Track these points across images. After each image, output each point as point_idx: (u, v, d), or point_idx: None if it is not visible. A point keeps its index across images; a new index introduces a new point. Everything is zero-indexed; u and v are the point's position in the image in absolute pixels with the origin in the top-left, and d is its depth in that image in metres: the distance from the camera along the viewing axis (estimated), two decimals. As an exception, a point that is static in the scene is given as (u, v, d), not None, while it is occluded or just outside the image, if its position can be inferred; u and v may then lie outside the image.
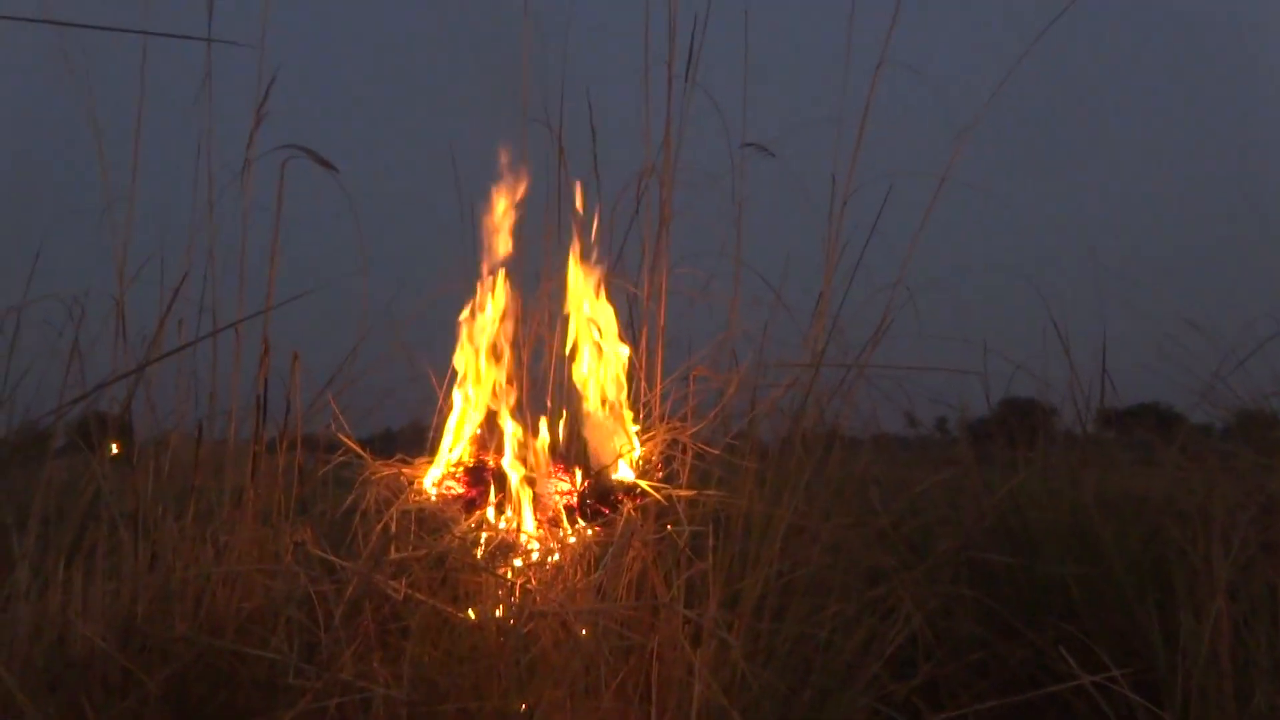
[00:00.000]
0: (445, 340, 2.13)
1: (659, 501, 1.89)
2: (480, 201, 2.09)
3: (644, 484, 1.92)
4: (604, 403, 2.02)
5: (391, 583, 1.74)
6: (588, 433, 2.01)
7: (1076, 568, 2.56)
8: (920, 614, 2.15)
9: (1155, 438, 3.03)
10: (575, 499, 1.93)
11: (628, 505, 1.88)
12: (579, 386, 2.03)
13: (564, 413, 2.08)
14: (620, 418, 2.02)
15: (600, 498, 1.93)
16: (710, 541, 1.91)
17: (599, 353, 2.03)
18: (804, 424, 2.16)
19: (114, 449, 2.02)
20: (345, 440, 2.02)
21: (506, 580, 1.78)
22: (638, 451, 2.00)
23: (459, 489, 1.96)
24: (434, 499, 1.94)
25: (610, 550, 1.79)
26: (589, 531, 1.89)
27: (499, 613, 1.77)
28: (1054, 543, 2.73)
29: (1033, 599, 2.66)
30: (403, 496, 1.91)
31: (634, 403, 2.08)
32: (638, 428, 2.05)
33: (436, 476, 1.99)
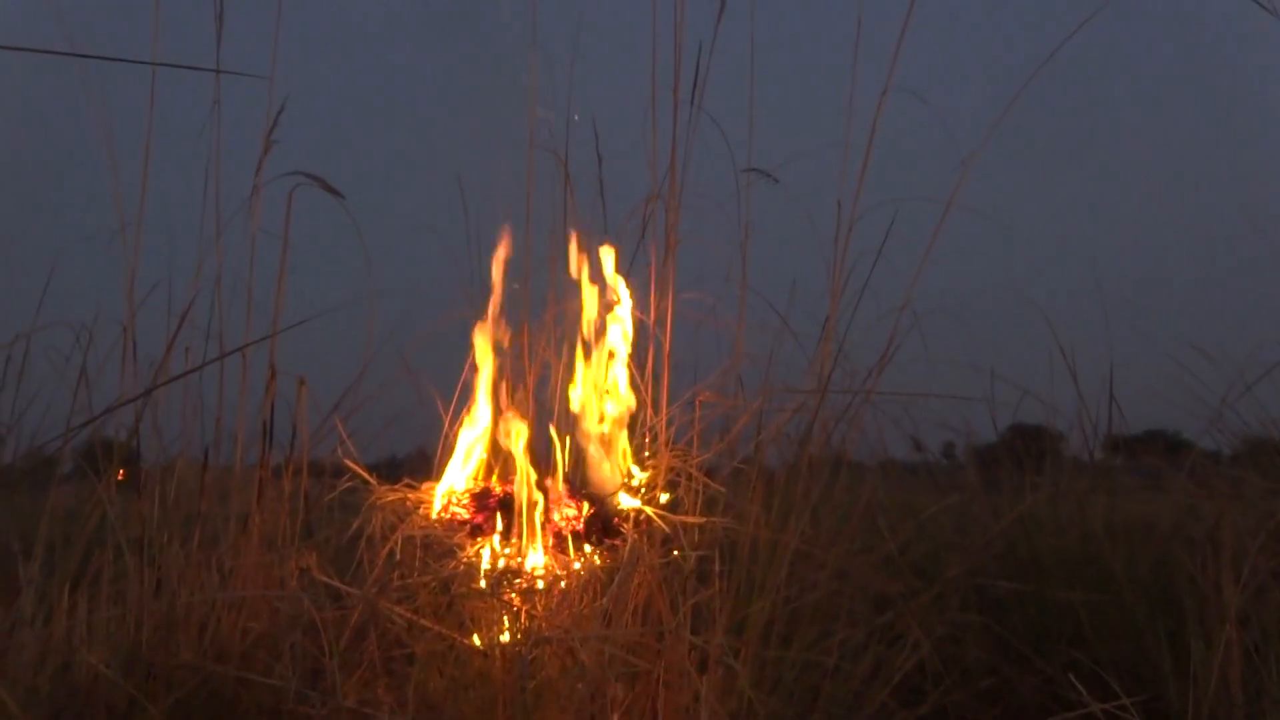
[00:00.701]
0: (451, 366, 2.14)
1: (664, 528, 1.88)
2: (486, 228, 2.10)
3: (649, 510, 1.91)
4: (597, 434, 2.02)
5: (396, 609, 1.74)
6: (587, 460, 2.01)
7: (1085, 594, 2.54)
8: (928, 641, 2.14)
9: (1163, 464, 3.02)
10: (581, 525, 1.92)
11: (632, 532, 1.88)
12: (577, 413, 2.03)
13: (566, 439, 2.08)
14: (614, 447, 2.02)
15: (604, 525, 1.92)
16: (717, 567, 1.91)
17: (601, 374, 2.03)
18: (810, 449, 2.16)
19: (119, 475, 2.02)
20: (351, 466, 2.02)
21: (512, 606, 1.78)
22: (638, 480, 2.00)
23: (465, 514, 1.96)
24: (439, 524, 1.93)
25: (616, 577, 1.78)
26: (595, 558, 1.89)
27: (504, 638, 1.76)
28: (1063, 569, 2.72)
29: (1041, 626, 2.64)
30: (408, 521, 1.90)
31: (638, 428, 2.08)
32: (637, 459, 2.05)
33: (442, 502, 1.99)
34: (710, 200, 2.22)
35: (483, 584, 1.79)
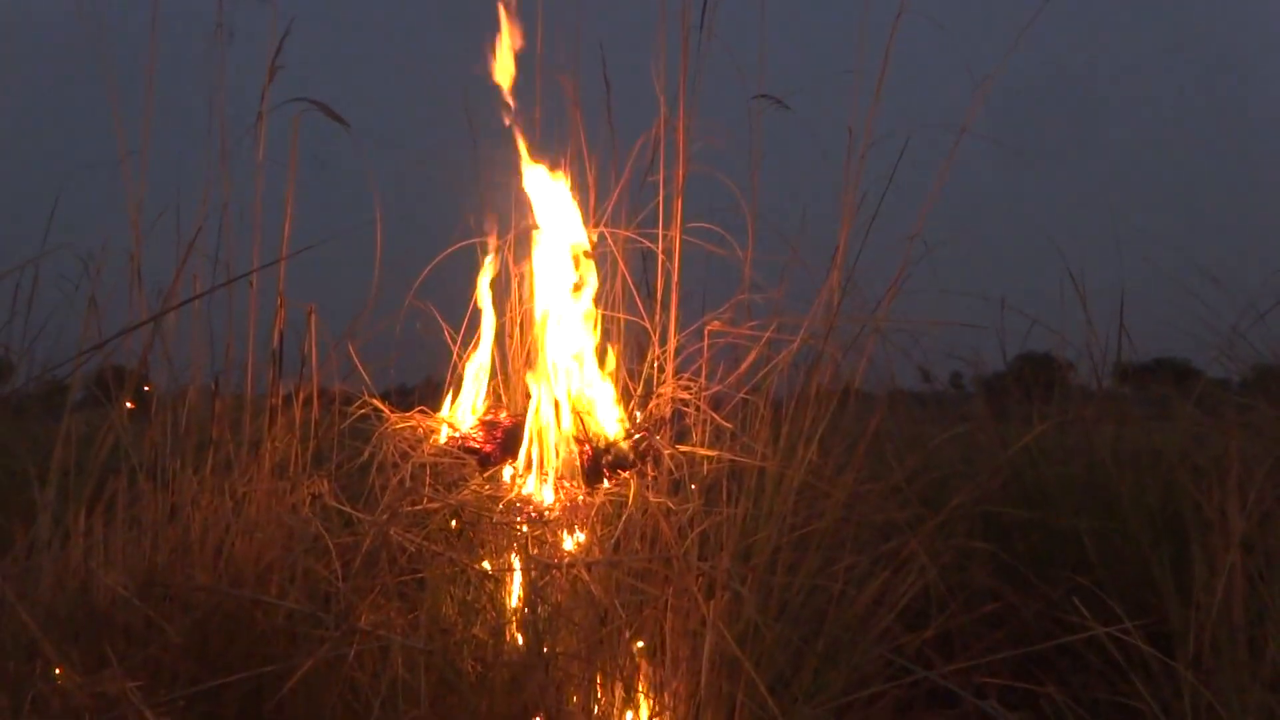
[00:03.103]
0: (460, 294, 2.14)
1: (672, 456, 1.90)
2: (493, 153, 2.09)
3: (657, 442, 1.93)
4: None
5: (407, 535, 1.76)
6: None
7: (1091, 521, 2.56)
8: (934, 567, 2.16)
9: (1172, 392, 3.02)
10: (589, 460, 1.94)
11: (633, 474, 1.89)
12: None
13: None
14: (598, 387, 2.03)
15: (613, 461, 1.94)
16: (724, 495, 1.92)
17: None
18: (818, 379, 2.16)
19: (129, 404, 2.03)
20: (366, 396, 2.03)
21: (522, 533, 1.80)
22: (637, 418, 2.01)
23: (477, 443, 1.97)
24: (450, 452, 1.95)
25: (624, 513, 1.80)
26: (603, 488, 1.90)
27: (514, 564, 1.79)
28: (1069, 497, 2.73)
29: (1046, 552, 2.66)
30: (420, 449, 1.92)
31: (644, 360, 2.08)
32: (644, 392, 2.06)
33: (454, 429, 2.00)
34: (720, 127, 2.19)
35: (492, 513, 1.81)
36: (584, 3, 2.22)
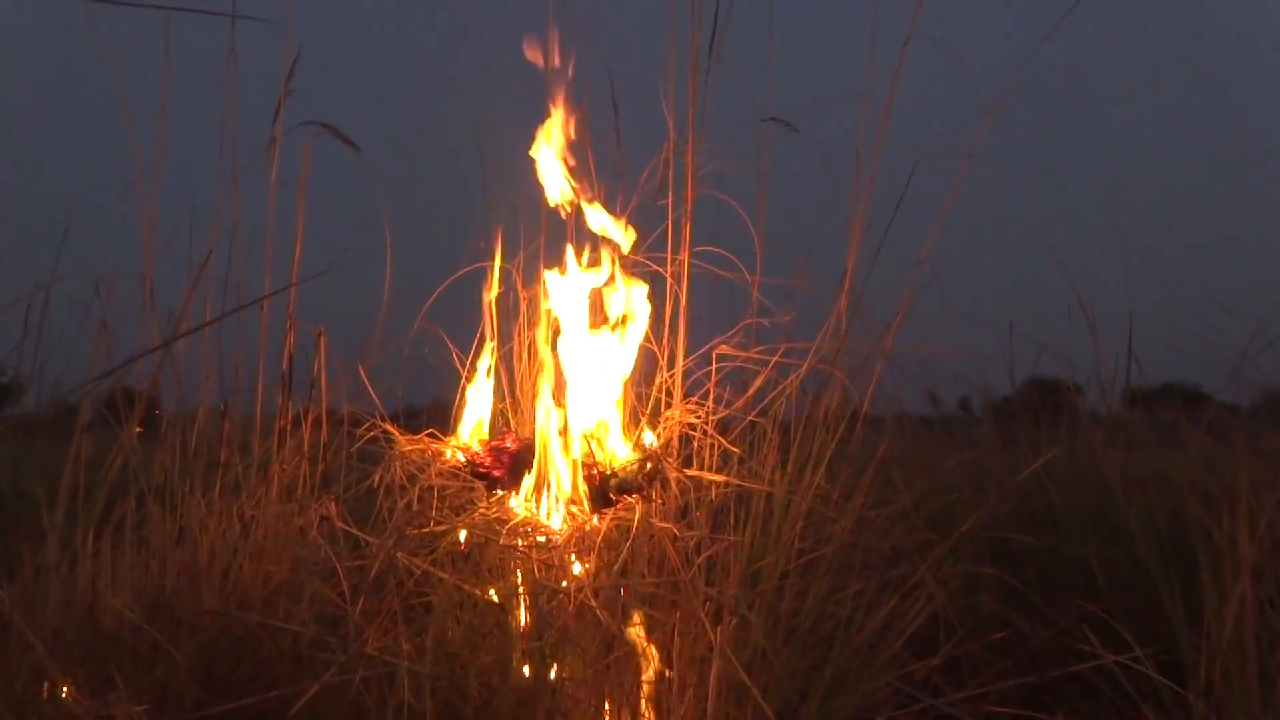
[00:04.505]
0: (468, 318, 2.14)
1: (679, 481, 1.89)
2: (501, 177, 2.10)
3: (664, 467, 1.92)
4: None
5: (414, 559, 1.75)
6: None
7: (1100, 548, 2.55)
8: (942, 593, 2.15)
9: (1181, 418, 3.01)
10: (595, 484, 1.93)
11: (639, 501, 1.89)
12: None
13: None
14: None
15: (619, 486, 1.94)
16: (731, 520, 1.92)
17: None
18: (826, 403, 2.16)
19: (138, 427, 2.03)
20: (374, 416, 2.03)
21: (530, 558, 1.79)
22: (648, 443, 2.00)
23: (485, 467, 1.97)
24: (458, 475, 1.94)
25: (630, 536, 1.79)
26: (610, 512, 1.90)
27: (521, 589, 1.78)
28: (1078, 523, 2.72)
29: (1056, 578, 2.65)
30: (428, 472, 1.92)
31: (651, 384, 2.08)
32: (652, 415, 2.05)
33: (463, 452, 2.00)
34: (728, 151, 2.20)
35: (499, 537, 1.81)
36: (593, 28, 2.23)
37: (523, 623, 1.79)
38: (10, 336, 2.22)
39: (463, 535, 1.81)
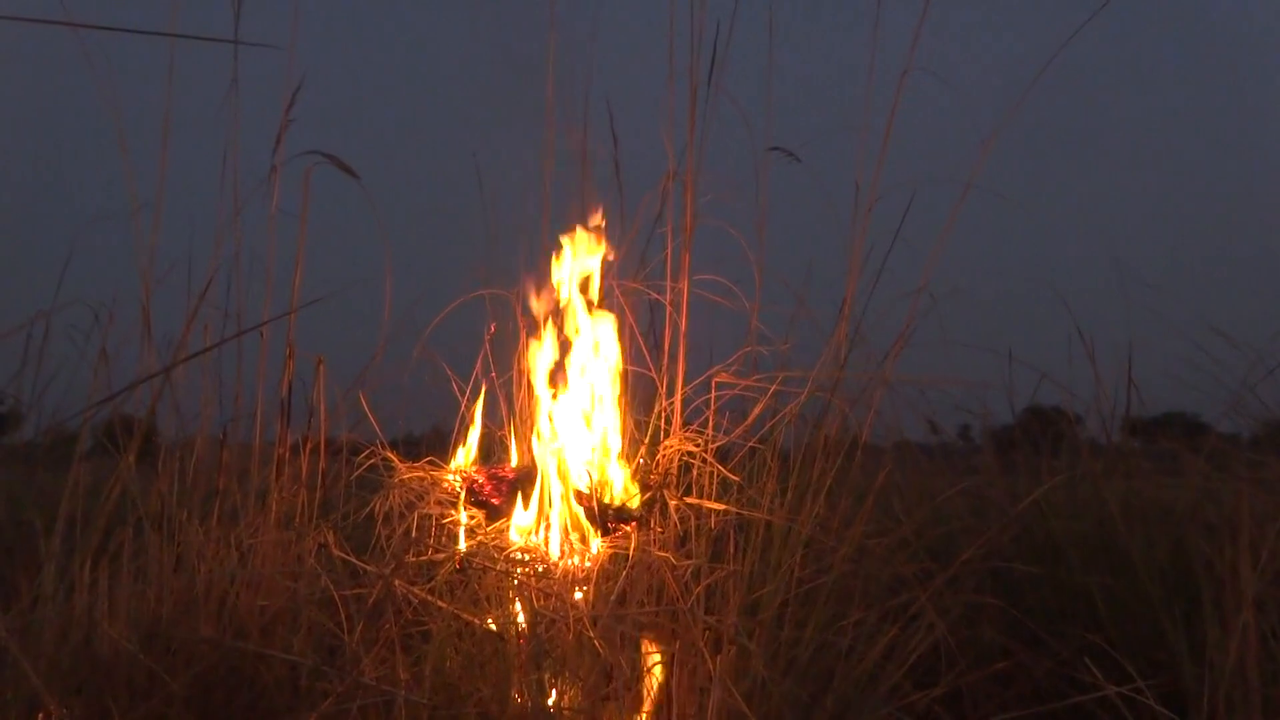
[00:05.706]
0: (468, 346, 2.15)
1: (678, 509, 1.89)
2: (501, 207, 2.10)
3: (665, 495, 1.92)
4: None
5: (412, 588, 1.75)
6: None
7: (1102, 578, 2.54)
8: (943, 622, 2.14)
9: (1181, 447, 3.00)
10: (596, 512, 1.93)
11: (636, 530, 1.88)
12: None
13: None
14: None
15: (617, 515, 1.93)
16: (730, 548, 1.91)
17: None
18: (826, 431, 2.16)
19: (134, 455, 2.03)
20: (374, 444, 2.03)
21: (528, 586, 1.78)
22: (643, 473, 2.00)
23: (484, 495, 1.97)
24: (455, 503, 1.94)
25: (628, 564, 1.78)
26: (608, 540, 1.89)
27: (520, 618, 1.77)
28: (1079, 552, 2.71)
29: (1057, 608, 2.63)
30: (425, 500, 1.91)
31: (651, 411, 2.08)
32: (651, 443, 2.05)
33: (460, 481, 2.00)
34: (728, 181, 2.21)
35: (497, 564, 1.80)
36: (592, 58, 2.25)
37: (521, 652, 1.78)
38: (10, 364, 2.22)
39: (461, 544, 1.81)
